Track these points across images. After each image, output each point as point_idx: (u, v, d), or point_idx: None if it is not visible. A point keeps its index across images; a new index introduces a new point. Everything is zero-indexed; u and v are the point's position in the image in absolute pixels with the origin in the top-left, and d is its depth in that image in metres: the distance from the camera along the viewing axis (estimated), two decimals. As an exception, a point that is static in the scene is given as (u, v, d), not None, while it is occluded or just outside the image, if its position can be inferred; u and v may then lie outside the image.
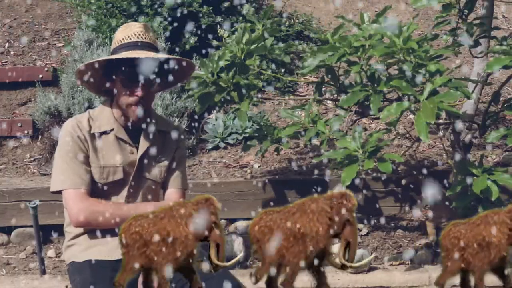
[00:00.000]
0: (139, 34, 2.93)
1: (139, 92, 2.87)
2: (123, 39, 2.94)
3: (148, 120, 2.98)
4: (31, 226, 3.82)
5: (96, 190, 2.94)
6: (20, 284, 3.65)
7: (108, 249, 2.91)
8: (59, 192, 2.93)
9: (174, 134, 3.05)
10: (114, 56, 2.91)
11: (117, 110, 2.96)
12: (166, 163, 3.03)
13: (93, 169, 2.93)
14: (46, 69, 5.22)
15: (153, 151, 3.00)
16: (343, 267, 2.54)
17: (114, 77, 2.91)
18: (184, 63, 2.99)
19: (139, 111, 2.90)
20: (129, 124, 2.96)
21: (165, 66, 2.93)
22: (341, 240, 2.52)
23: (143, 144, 2.98)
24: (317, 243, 2.48)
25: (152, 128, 2.99)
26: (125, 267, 2.45)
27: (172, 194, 3.05)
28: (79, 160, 2.89)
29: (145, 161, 2.99)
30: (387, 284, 3.73)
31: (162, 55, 2.93)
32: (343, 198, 2.51)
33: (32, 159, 4.87)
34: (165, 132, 3.04)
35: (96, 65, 2.91)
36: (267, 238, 2.48)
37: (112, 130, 2.96)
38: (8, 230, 4.18)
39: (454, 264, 2.45)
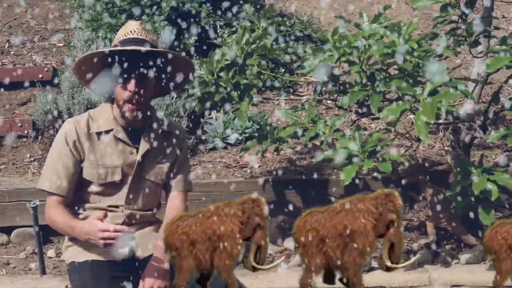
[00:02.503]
0: (135, 31, 2.93)
1: (132, 87, 2.86)
2: (120, 36, 2.96)
3: (147, 119, 2.97)
4: (31, 226, 3.82)
5: (94, 191, 2.94)
6: (20, 284, 3.65)
7: (108, 249, 2.91)
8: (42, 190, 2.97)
9: (176, 136, 3.04)
10: (105, 49, 2.93)
11: (117, 110, 2.96)
12: (167, 164, 3.02)
13: (91, 170, 2.92)
14: (46, 69, 5.21)
15: (154, 152, 2.99)
16: (388, 269, 2.51)
17: (110, 74, 2.92)
18: (180, 61, 2.99)
19: (134, 108, 2.88)
20: (128, 123, 2.95)
21: (163, 65, 2.93)
22: (385, 240, 2.48)
23: (144, 145, 2.97)
24: (366, 240, 2.45)
25: (153, 129, 2.98)
26: (180, 269, 2.45)
27: (175, 197, 3.05)
28: (66, 165, 2.90)
29: (145, 162, 2.98)
30: (387, 284, 3.72)
31: (154, 49, 2.92)
32: (388, 198, 2.48)
33: (32, 159, 4.87)
34: (167, 133, 3.03)
35: (95, 60, 2.92)
36: (313, 241, 2.47)
37: (111, 130, 2.95)
38: (8, 230, 4.18)
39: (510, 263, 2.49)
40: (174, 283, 2.48)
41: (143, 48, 2.84)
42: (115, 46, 2.93)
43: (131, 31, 2.94)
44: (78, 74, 2.98)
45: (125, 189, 2.97)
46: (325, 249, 2.47)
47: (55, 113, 4.83)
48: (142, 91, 2.87)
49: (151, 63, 2.86)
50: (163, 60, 2.91)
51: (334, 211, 2.48)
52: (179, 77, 3.02)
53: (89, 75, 2.95)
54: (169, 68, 2.95)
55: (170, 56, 2.92)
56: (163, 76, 2.96)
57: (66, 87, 4.88)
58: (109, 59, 2.87)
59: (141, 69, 2.84)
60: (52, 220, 2.94)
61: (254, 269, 2.49)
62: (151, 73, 2.87)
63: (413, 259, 2.66)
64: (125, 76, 2.86)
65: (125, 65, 2.83)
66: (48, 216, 2.95)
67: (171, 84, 3.03)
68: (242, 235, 2.46)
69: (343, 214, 2.47)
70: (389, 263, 2.49)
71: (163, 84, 2.99)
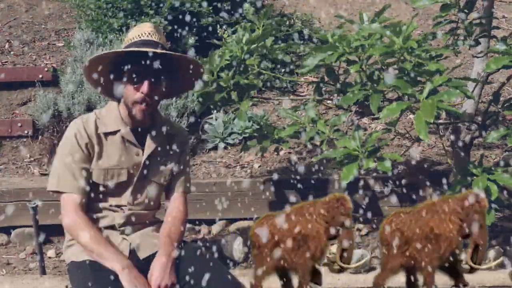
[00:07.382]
0: (149, 33, 2.94)
1: (145, 88, 2.86)
2: (133, 37, 2.95)
3: (154, 121, 2.98)
4: (31, 226, 3.81)
5: (100, 190, 2.94)
6: (20, 284, 3.64)
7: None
8: (56, 192, 2.93)
9: (179, 138, 3.05)
10: (120, 50, 2.92)
11: (124, 110, 2.97)
12: (171, 166, 3.04)
13: (98, 169, 2.92)
14: (46, 69, 5.22)
15: (159, 153, 3.00)
16: (471, 269, 2.51)
17: (122, 73, 2.91)
18: (191, 66, 2.98)
19: (145, 109, 2.89)
20: (135, 124, 2.96)
21: (174, 68, 2.93)
22: (470, 242, 2.48)
23: (149, 146, 2.98)
24: (450, 243, 2.45)
25: (158, 131, 2.99)
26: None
27: (177, 198, 3.07)
28: (79, 163, 2.88)
29: (150, 163, 2.99)
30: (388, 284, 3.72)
31: (171, 52, 2.93)
32: (475, 199, 2.48)
33: (32, 159, 4.87)
34: (171, 135, 3.05)
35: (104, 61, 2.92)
36: (397, 241, 2.47)
37: (118, 131, 2.96)
38: (8, 230, 4.18)
39: None
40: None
41: (159, 51, 2.85)
42: (128, 46, 2.93)
43: (144, 33, 2.94)
44: (89, 76, 2.97)
45: (130, 189, 2.97)
46: (409, 250, 2.48)
47: (55, 113, 4.83)
48: (154, 93, 2.88)
49: (164, 65, 2.86)
50: (175, 62, 2.92)
51: (419, 213, 2.49)
52: (189, 80, 3.03)
53: (98, 76, 2.95)
54: (179, 71, 2.96)
55: (182, 58, 2.92)
56: (174, 78, 2.97)
57: (66, 87, 4.89)
58: (122, 60, 2.88)
59: (155, 72, 2.84)
60: (75, 227, 2.83)
61: (341, 269, 2.50)
62: (164, 76, 2.88)
63: (498, 260, 2.66)
64: (138, 77, 2.86)
65: (139, 66, 2.83)
66: (71, 221, 2.84)
67: (180, 86, 3.04)
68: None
69: (429, 215, 2.47)
70: (471, 263, 2.50)
71: (173, 86, 2.99)
